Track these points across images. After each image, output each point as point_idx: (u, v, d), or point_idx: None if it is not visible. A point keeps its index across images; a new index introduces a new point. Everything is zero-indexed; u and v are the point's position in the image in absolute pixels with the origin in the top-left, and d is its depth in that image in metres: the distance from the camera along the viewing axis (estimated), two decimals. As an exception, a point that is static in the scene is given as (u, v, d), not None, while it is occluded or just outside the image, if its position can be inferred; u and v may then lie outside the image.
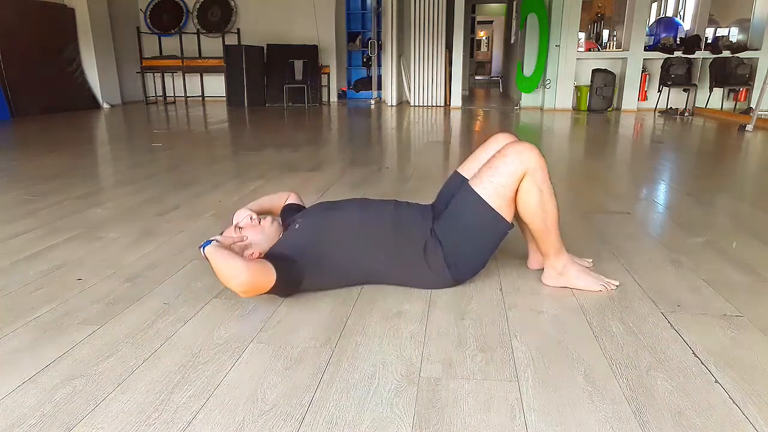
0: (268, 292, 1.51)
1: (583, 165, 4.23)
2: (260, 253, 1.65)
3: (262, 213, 1.89)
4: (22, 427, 1.03)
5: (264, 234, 1.69)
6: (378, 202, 1.77)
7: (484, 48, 21.07)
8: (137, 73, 9.62)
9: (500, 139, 1.77)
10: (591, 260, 1.84)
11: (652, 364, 1.24)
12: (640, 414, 1.06)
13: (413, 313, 1.51)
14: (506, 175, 1.55)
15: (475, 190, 1.58)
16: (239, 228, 1.69)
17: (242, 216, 1.76)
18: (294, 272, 1.53)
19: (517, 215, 1.63)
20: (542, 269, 1.72)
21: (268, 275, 1.46)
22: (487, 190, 1.57)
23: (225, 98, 9.51)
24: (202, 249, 1.51)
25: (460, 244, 1.61)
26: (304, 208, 1.98)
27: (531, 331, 1.40)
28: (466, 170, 1.79)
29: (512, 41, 10.78)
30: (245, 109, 8.66)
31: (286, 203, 1.99)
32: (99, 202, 2.76)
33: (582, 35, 9.76)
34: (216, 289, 1.65)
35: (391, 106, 9.20)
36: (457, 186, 1.70)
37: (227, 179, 3.32)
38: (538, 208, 1.57)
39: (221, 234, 1.68)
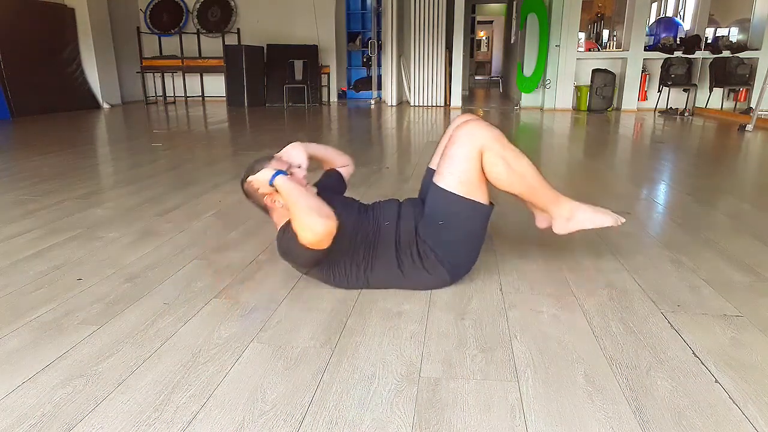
0: (307, 253, 1.46)
1: (583, 165, 4.22)
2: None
3: (316, 159, 1.83)
4: (22, 427, 1.03)
5: None
6: (387, 206, 1.73)
7: (484, 48, 21.05)
8: (137, 73, 9.62)
9: (453, 126, 1.74)
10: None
11: (652, 364, 1.24)
12: (640, 414, 1.06)
13: (413, 313, 1.51)
14: (462, 159, 1.52)
15: (439, 185, 1.57)
16: (297, 167, 1.61)
17: (298, 157, 1.66)
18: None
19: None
20: (550, 225, 1.71)
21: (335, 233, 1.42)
22: (450, 181, 1.54)
23: (225, 98, 9.51)
24: (274, 177, 1.47)
25: (447, 241, 1.59)
26: (345, 186, 1.96)
27: (531, 331, 1.40)
28: (435, 163, 1.77)
29: (512, 41, 10.78)
30: (245, 109, 8.66)
31: (339, 169, 1.95)
32: (99, 202, 2.76)
33: (582, 35, 9.76)
34: (216, 289, 1.65)
35: (391, 106, 9.20)
36: (429, 182, 1.69)
37: (227, 179, 3.31)
38: (511, 175, 1.54)
39: (271, 158, 1.60)
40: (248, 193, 1.66)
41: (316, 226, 1.38)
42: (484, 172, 1.54)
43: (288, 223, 1.51)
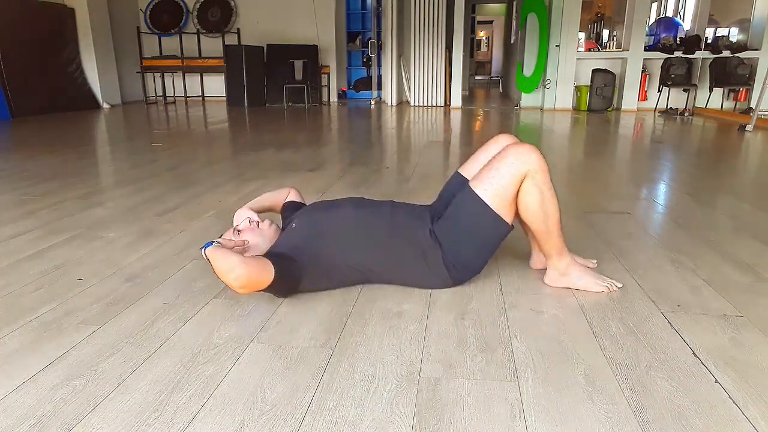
0: (268, 291, 1.52)
1: (583, 165, 4.23)
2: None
3: (262, 211, 1.90)
4: (22, 427, 1.03)
5: (262, 236, 1.69)
6: (374, 202, 1.77)
7: (484, 48, 21.06)
8: (137, 73, 9.62)
9: (501, 141, 1.77)
10: (595, 261, 1.83)
11: (652, 364, 1.24)
12: (640, 414, 1.06)
13: (413, 313, 1.51)
14: (507, 176, 1.55)
15: (475, 191, 1.58)
16: (238, 231, 1.70)
17: (241, 218, 1.76)
18: (293, 271, 1.54)
19: (518, 216, 1.63)
20: (545, 269, 1.72)
21: (266, 271, 1.47)
22: (488, 192, 1.56)
23: (225, 98, 9.51)
24: (203, 250, 1.52)
25: (460, 245, 1.61)
26: (305, 205, 1.99)
27: (531, 331, 1.40)
28: (467, 171, 1.79)
29: (512, 41, 10.78)
30: (245, 109, 8.66)
31: (287, 200, 1.99)
32: (99, 202, 2.76)
33: (582, 35, 9.76)
34: (216, 289, 1.65)
35: (391, 106, 9.20)
36: (458, 186, 1.70)
37: (227, 179, 3.32)
38: (539, 209, 1.57)
39: (220, 237, 1.68)
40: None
41: (231, 282, 1.44)
42: (517, 195, 1.57)
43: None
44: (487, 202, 1.56)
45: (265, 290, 1.51)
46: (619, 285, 1.67)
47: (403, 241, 1.62)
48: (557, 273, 1.67)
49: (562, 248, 1.66)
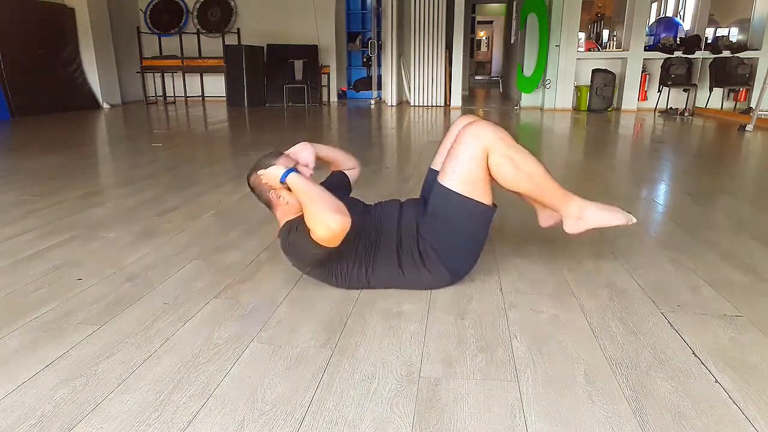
0: (318, 250, 1.46)
1: (583, 165, 4.22)
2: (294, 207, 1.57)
3: (324, 160, 1.84)
4: (22, 427, 1.03)
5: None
6: (388, 206, 1.74)
7: (484, 48, 21.05)
8: (137, 73, 9.62)
9: (457, 126, 1.75)
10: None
11: (652, 364, 1.24)
12: (640, 414, 1.06)
13: (413, 313, 1.51)
14: (467, 160, 1.52)
15: (443, 184, 1.57)
16: (305, 165, 1.61)
17: (307, 158, 1.65)
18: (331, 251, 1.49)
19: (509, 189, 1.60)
20: (556, 223, 1.70)
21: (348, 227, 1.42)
22: (454, 181, 1.55)
23: (225, 98, 9.51)
24: (285, 176, 1.48)
25: (449, 240, 1.60)
26: (349, 189, 1.96)
27: (531, 331, 1.40)
28: (437, 164, 1.77)
29: (512, 41, 10.78)
30: (245, 109, 8.66)
31: (344, 170, 1.95)
32: (99, 202, 2.75)
33: (582, 35, 9.76)
34: (216, 289, 1.65)
35: (391, 106, 9.19)
36: (432, 182, 1.69)
37: (227, 179, 3.31)
38: (518, 175, 1.54)
39: (281, 153, 1.60)
40: (253, 186, 1.65)
41: (331, 222, 1.39)
42: (490, 173, 1.54)
43: (295, 220, 1.52)
44: (457, 191, 1.54)
45: (315, 249, 1.46)
46: (634, 220, 1.65)
47: (406, 244, 1.61)
48: (573, 219, 1.64)
49: (565, 194, 1.62)
